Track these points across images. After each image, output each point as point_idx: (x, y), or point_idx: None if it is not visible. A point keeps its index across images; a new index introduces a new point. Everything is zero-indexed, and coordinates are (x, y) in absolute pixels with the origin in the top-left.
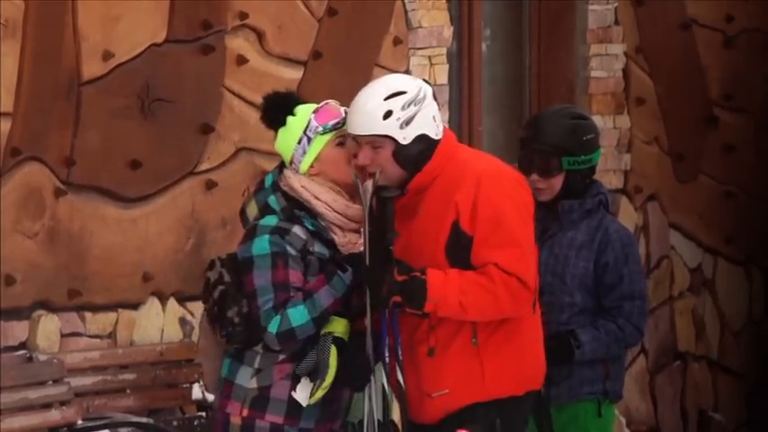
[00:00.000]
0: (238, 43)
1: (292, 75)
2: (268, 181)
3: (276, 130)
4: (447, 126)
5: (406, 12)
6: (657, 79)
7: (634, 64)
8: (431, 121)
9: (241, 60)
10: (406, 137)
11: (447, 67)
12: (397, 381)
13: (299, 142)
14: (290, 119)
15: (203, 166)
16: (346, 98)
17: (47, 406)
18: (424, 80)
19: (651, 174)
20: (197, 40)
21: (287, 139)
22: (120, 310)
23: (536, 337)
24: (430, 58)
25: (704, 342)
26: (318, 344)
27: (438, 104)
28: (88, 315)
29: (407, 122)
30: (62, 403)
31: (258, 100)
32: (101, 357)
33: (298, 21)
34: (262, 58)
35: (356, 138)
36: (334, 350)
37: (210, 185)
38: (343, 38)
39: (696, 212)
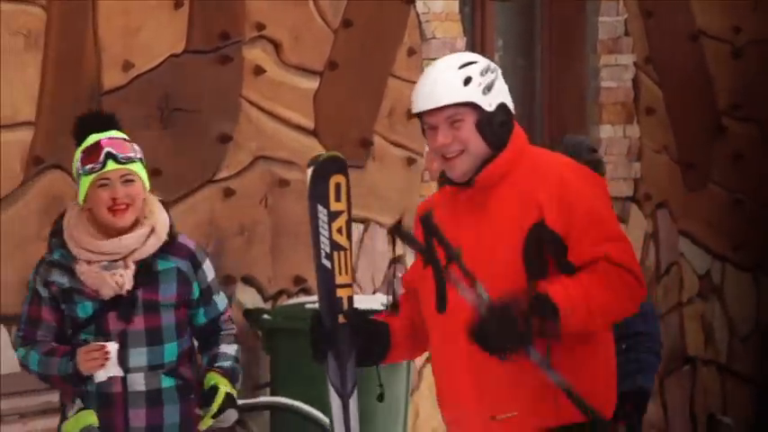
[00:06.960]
0: (256, 54)
1: (308, 85)
2: None
3: None
4: None
5: (420, 23)
6: (667, 89)
7: (643, 74)
8: (507, 92)
9: (258, 71)
10: (490, 103)
11: None
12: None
13: (75, 177)
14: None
15: (221, 175)
16: (362, 107)
17: None
18: None
19: (661, 182)
20: (215, 51)
21: (73, 170)
22: None
23: (610, 356)
24: None
25: (713, 347)
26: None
27: None
28: None
29: (489, 88)
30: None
31: (276, 109)
32: None
33: (314, 31)
34: (278, 69)
35: (431, 119)
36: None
37: (228, 193)
38: (358, 48)
39: (705, 220)
